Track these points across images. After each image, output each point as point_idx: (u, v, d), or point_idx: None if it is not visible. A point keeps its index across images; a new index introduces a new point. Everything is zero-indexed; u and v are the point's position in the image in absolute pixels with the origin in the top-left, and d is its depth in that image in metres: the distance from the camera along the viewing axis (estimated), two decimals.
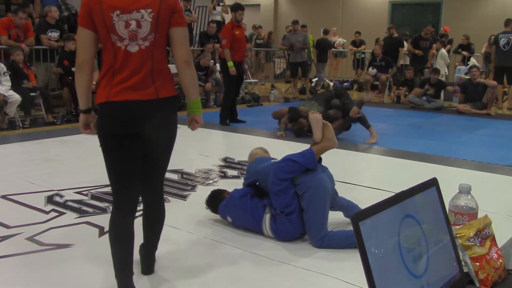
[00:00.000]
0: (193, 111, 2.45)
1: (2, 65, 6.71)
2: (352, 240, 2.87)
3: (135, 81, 2.23)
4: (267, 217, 3.07)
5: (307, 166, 3.00)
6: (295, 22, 11.08)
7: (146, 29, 2.21)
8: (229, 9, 9.32)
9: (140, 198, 2.49)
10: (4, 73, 6.63)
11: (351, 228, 3.04)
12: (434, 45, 11.47)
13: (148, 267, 2.64)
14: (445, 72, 11.54)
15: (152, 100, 2.25)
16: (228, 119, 7.56)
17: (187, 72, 2.33)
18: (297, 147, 6.02)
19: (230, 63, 7.27)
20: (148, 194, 2.50)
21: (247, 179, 3.37)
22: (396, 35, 11.61)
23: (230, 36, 7.26)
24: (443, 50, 11.59)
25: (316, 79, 12.73)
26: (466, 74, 10.37)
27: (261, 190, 3.29)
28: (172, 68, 2.39)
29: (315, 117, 3.14)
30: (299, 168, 2.99)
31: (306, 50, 11.39)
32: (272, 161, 3.30)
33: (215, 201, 3.35)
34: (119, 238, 2.35)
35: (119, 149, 2.28)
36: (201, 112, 2.47)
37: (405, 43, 11.83)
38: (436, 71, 9.96)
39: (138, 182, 2.37)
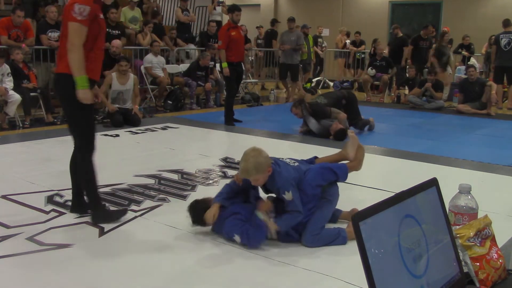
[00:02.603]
0: (75, 86, 3.26)
1: (7, 65, 6.74)
2: (336, 236, 3.04)
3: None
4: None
5: (341, 180, 3.19)
6: (290, 20, 10.10)
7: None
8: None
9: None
10: (8, 74, 6.70)
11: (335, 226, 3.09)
12: (434, 46, 11.45)
13: (73, 207, 3.50)
14: None
15: (55, 73, 3.52)
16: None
17: (69, 56, 3.16)
18: (299, 148, 6.06)
19: (224, 64, 7.25)
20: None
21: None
22: (400, 34, 11.59)
23: (225, 37, 7.24)
24: None
25: (317, 78, 12.69)
26: (465, 74, 10.35)
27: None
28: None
29: (354, 137, 3.50)
30: (334, 178, 3.16)
31: (306, 51, 11.14)
32: (295, 164, 3.17)
33: (197, 212, 3.13)
34: (94, 171, 3.36)
35: None
36: (82, 88, 3.17)
37: None
38: (432, 71, 9.96)
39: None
